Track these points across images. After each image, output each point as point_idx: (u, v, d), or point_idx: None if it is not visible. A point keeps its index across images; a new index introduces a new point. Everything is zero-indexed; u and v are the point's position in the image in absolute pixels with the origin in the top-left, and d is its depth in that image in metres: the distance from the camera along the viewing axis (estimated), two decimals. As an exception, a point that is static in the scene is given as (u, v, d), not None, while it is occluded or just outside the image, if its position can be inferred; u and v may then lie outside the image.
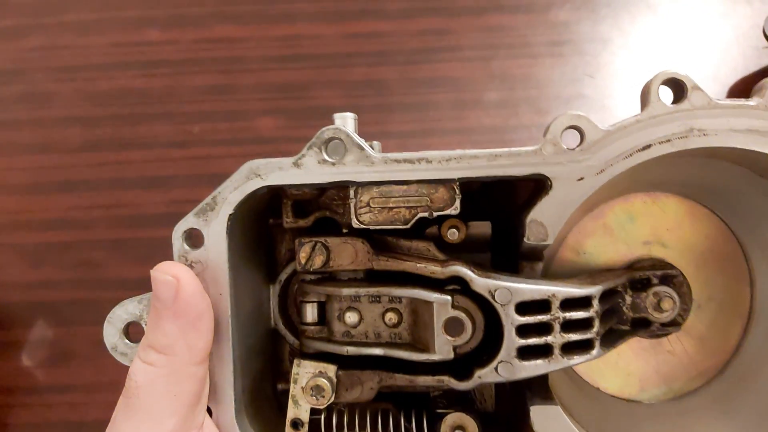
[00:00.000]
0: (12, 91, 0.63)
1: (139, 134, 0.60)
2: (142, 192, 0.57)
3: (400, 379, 0.33)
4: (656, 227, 0.34)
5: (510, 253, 0.33)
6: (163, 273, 0.30)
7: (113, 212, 0.57)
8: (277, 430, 0.33)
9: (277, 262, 0.34)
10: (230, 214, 0.30)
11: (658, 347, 0.36)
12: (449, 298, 0.31)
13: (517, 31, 0.63)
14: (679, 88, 0.32)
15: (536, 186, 0.31)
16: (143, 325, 0.32)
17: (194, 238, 0.31)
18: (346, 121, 0.33)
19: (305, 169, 0.30)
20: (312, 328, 0.33)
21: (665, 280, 0.34)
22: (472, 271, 0.31)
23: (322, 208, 0.34)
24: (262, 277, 0.34)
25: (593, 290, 0.30)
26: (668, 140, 0.31)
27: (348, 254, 0.33)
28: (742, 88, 0.59)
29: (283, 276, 0.35)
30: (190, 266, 0.31)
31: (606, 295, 0.32)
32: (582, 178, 0.30)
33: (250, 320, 0.33)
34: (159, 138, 0.60)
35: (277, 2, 0.66)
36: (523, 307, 0.30)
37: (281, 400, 0.35)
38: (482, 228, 0.35)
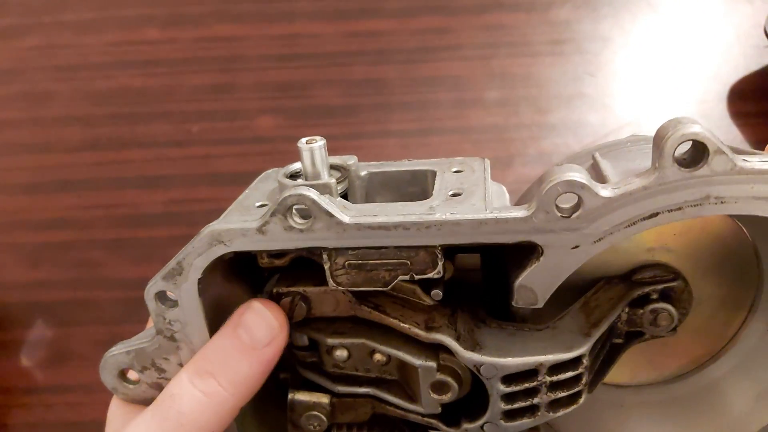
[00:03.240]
0: (11, 91, 0.63)
1: (138, 133, 0.60)
2: (141, 191, 0.57)
3: (392, 411, 0.32)
4: (663, 233, 0.33)
5: (501, 283, 0.32)
6: (271, 319, 0.29)
7: (112, 212, 0.57)
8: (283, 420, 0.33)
9: (260, 271, 0.33)
10: (199, 278, 0.28)
11: (652, 339, 0.36)
12: (434, 364, 0.30)
13: (518, 30, 0.63)
14: (699, 151, 0.27)
15: (526, 247, 0.28)
16: (135, 374, 0.32)
17: (168, 299, 0.29)
18: (313, 154, 0.30)
19: (270, 236, 0.28)
20: (304, 352, 0.33)
21: (665, 296, 0.33)
22: (457, 340, 0.29)
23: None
24: (248, 294, 0.34)
25: (584, 349, 0.29)
26: (679, 208, 0.27)
27: (329, 303, 0.32)
28: (743, 87, 0.59)
29: (269, 287, 0.34)
30: (170, 325, 0.30)
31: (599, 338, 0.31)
32: (577, 246, 0.27)
33: None
34: (158, 137, 0.60)
35: (276, 1, 0.66)
36: (510, 377, 0.29)
37: (285, 389, 0.34)
38: (472, 258, 0.34)
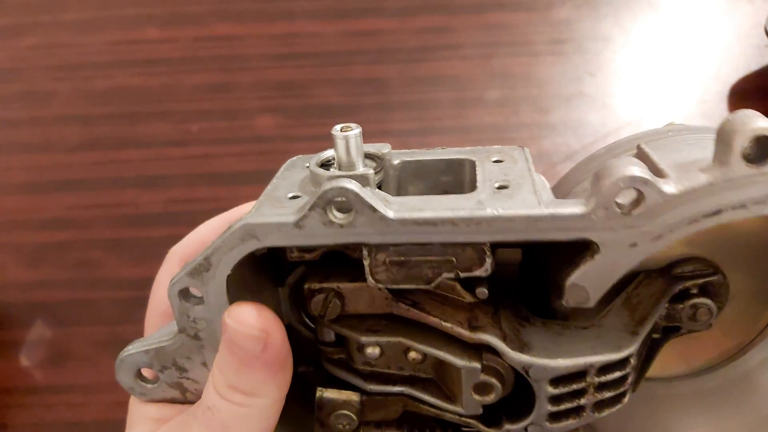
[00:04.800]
0: (10, 90, 0.63)
1: (138, 133, 0.60)
2: (140, 191, 0.57)
3: (426, 410, 0.31)
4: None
5: (541, 278, 0.31)
6: (249, 328, 0.28)
7: (112, 211, 0.57)
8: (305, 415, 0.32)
9: (284, 263, 0.32)
10: (228, 275, 0.27)
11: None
12: (478, 365, 0.28)
13: (518, 29, 0.63)
14: (764, 147, 0.26)
15: (577, 243, 0.27)
16: (154, 373, 0.31)
17: (193, 296, 0.28)
18: (348, 144, 0.28)
19: (308, 231, 0.26)
20: (330, 348, 0.31)
21: (704, 291, 0.32)
22: (503, 340, 0.28)
23: None
24: (271, 286, 0.33)
25: (633, 348, 0.28)
26: (743, 206, 0.26)
27: (364, 300, 0.30)
28: (744, 87, 0.59)
29: (292, 279, 0.33)
30: (193, 323, 0.29)
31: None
32: (635, 244, 0.26)
33: None
34: (157, 137, 0.59)
35: (276, 0, 0.66)
36: (558, 379, 0.28)
37: (304, 383, 0.33)
38: (513, 254, 0.32)
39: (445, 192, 0.31)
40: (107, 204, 0.57)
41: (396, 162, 0.32)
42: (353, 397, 0.31)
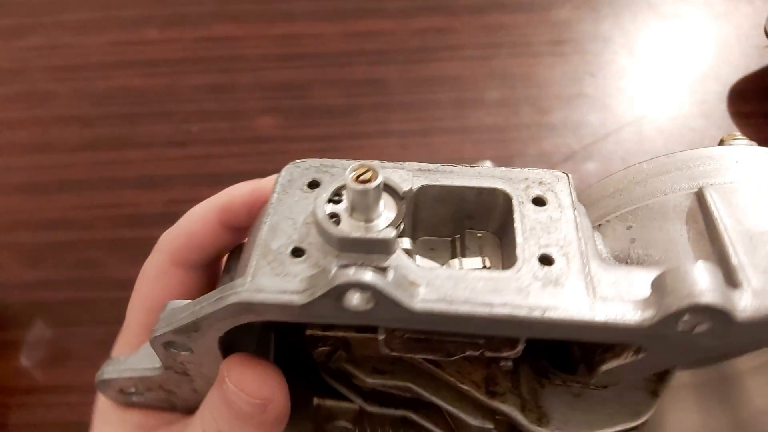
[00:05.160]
0: (11, 91, 0.63)
1: (138, 133, 0.60)
2: (141, 191, 0.57)
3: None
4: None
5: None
6: (249, 397, 0.25)
7: (112, 212, 0.57)
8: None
9: None
10: (221, 337, 0.24)
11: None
12: (491, 426, 0.27)
13: (518, 30, 0.63)
14: None
15: None
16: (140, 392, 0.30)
17: (180, 346, 0.26)
18: (367, 197, 0.23)
19: (317, 312, 0.22)
20: (327, 357, 0.29)
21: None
22: (522, 410, 0.26)
23: None
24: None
25: (650, 413, 0.27)
26: None
27: (373, 347, 0.26)
28: (744, 87, 0.59)
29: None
30: (181, 365, 0.26)
31: None
32: (688, 351, 0.22)
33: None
34: (158, 137, 0.59)
35: (276, 1, 0.66)
36: None
37: (300, 354, 0.29)
38: None
39: (470, 217, 0.27)
40: (107, 204, 0.57)
41: (414, 187, 0.26)
42: (352, 406, 0.29)
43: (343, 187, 0.24)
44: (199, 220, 0.34)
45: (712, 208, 0.24)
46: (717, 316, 0.20)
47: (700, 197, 0.25)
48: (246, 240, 0.30)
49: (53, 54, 0.64)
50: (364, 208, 0.23)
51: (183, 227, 0.34)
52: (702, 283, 0.20)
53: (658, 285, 0.21)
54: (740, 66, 0.60)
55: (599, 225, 0.27)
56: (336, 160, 0.26)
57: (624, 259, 0.25)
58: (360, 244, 0.23)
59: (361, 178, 0.23)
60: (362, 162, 0.23)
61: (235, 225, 0.33)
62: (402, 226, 0.24)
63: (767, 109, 0.58)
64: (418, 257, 0.25)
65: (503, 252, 0.26)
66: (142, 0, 0.66)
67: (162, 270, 0.34)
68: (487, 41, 0.63)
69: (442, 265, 0.25)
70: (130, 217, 0.57)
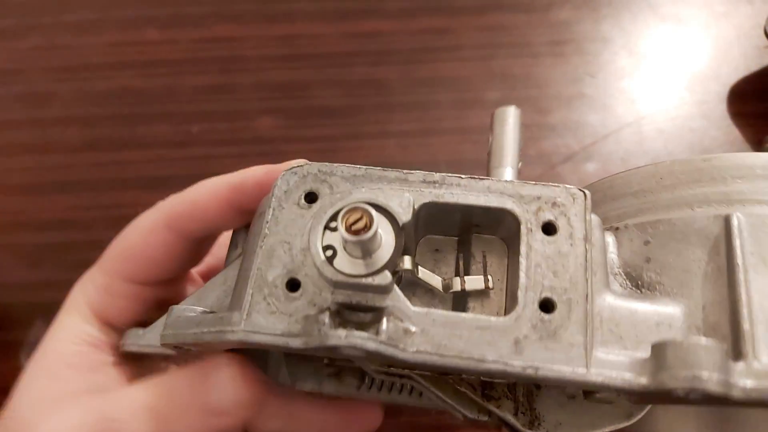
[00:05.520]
0: (10, 91, 0.63)
1: (138, 134, 0.60)
2: (141, 192, 0.57)
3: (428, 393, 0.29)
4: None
5: None
6: (238, 391, 0.26)
7: (112, 212, 0.57)
8: None
9: None
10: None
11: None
12: (486, 418, 0.27)
13: (518, 31, 0.63)
14: None
15: None
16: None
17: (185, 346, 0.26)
18: (363, 246, 0.22)
19: (312, 352, 0.22)
20: None
21: None
22: (515, 413, 0.26)
23: None
24: None
25: (643, 413, 0.27)
26: None
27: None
28: (744, 88, 0.59)
29: None
30: (194, 351, 0.26)
31: None
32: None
33: None
34: (158, 138, 0.59)
35: (276, 1, 0.66)
36: None
37: None
38: None
39: (477, 225, 0.26)
40: (108, 205, 0.57)
41: (417, 205, 0.25)
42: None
43: (339, 211, 0.23)
44: (207, 192, 0.33)
45: (737, 246, 0.22)
46: (713, 397, 0.19)
47: (727, 225, 0.23)
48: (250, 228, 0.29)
49: (53, 54, 0.64)
50: (358, 253, 0.23)
51: (189, 195, 0.34)
52: (703, 365, 0.19)
53: (657, 353, 0.20)
54: (740, 66, 0.60)
55: (617, 228, 0.26)
56: (335, 166, 0.25)
57: (636, 278, 0.24)
58: (355, 286, 0.22)
59: (354, 227, 0.22)
60: (356, 204, 0.22)
61: (244, 206, 0.32)
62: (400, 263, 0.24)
63: (767, 110, 0.58)
64: (420, 270, 0.25)
65: (509, 264, 0.25)
66: (141, 1, 0.66)
67: (155, 227, 0.33)
68: (486, 41, 0.63)
69: (445, 280, 0.25)
70: (130, 218, 0.56)
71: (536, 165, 0.57)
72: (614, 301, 0.23)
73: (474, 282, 0.25)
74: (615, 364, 0.21)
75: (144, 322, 0.31)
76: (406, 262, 0.24)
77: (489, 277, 0.25)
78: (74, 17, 0.66)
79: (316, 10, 0.65)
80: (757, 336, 0.21)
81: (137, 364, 0.32)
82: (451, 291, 0.25)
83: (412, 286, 0.25)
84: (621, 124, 0.58)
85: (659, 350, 0.20)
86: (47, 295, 0.59)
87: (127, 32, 0.65)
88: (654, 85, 0.60)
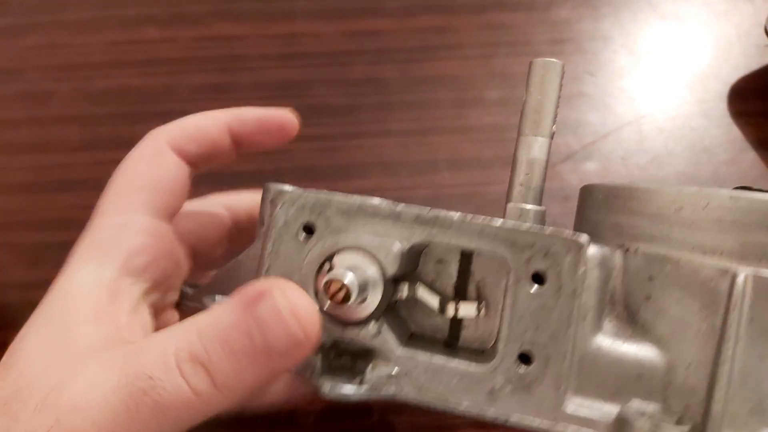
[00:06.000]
0: (9, 90, 0.63)
1: (138, 133, 0.59)
2: (140, 191, 0.57)
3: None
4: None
5: None
6: (297, 324, 0.21)
7: (112, 212, 0.57)
8: None
9: None
10: None
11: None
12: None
13: (518, 29, 0.63)
14: None
15: None
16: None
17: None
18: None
19: None
20: None
21: None
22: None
23: None
24: None
25: None
26: None
27: None
28: (744, 87, 0.59)
29: None
30: None
31: None
32: None
33: None
34: (158, 137, 0.59)
35: (276, 0, 0.66)
36: None
37: None
38: None
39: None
40: (107, 204, 0.57)
41: (407, 248, 0.25)
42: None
43: (332, 256, 0.25)
44: (208, 117, 0.32)
45: (733, 316, 0.20)
46: None
47: (733, 285, 0.20)
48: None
49: (52, 53, 0.64)
50: (343, 313, 0.25)
51: (189, 119, 0.32)
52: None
53: (620, 424, 0.21)
54: (740, 65, 0.60)
55: (627, 250, 0.24)
56: (332, 195, 0.26)
57: (633, 312, 0.23)
58: (344, 341, 0.25)
59: (335, 298, 0.23)
60: (334, 276, 0.23)
61: (242, 139, 0.32)
62: (382, 319, 0.25)
63: (767, 109, 0.58)
64: (419, 289, 0.26)
65: (507, 287, 0.25)
66: (141, -1, 0.66)
67: (160, 151, 0.31)
68: (487, 40, 0.62)
69: (445, 299, 0.26)
70: (129, 217, 0.57)
71: (536, 164, 0.56)
72: (601, 345, 0.23)
73: (467, 309, 0.25)
74: (582, 421, 0.22)
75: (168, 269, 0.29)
76: (403, 291, 0.25)
77: (482, 306, 0.26)
78: (73, 16, 0.66)
79: (315, 9, 0.65)
80: (726, 420, 0.20)
81: (155, 313, 0.30)
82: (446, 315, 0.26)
83: (412, 300, 0.26)
84: (621, 123, 0.58)
85: (621, 421, 0.21)
86: (47, 294, 0.60)
87: (126, 31, 0.65)
88: (654, 83, 0.60)
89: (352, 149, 0.57)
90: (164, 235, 0.30)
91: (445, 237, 0.24)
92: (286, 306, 0.21)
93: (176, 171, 0.31)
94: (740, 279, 0.20)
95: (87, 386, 0.22)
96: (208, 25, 0.65)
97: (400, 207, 0.25)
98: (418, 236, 0.25)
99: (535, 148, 0.28)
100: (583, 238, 0.23)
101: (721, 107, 0.58)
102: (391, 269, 0.24)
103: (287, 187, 0.28)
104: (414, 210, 0.25)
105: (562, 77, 0.27)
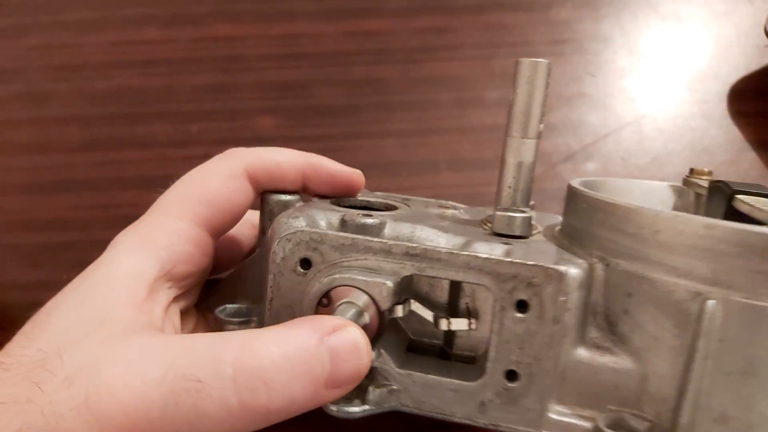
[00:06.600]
0: (10, 90, 0.63)
1: (138, 134, 0.60)
2: (140, 192, 0.57)
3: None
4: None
5: None
6: (364, 359, 0.23)
7: (112, 212, 0.57)
8: None
9: None
10: None
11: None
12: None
13: (518, 30, 0.63)
14: None
15: None
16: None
17: None
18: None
19: None
20: None
21: None
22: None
23: None
24: None
25: None
26: None
27: None
28: (744, 87, 0.59)
29: None
30: None
31: None
32: None
33: None
34: (158, 137, 0.59)
35: (275, 1, 0.66)
36: None
37: None
38: None
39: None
40: (108, 205, 0.57)
41: (398, 280, 0.26)
42: None
43: (327, 293, 0.26)
44: (288, 157, 0.32)
45: (702, 337, 0.22)
46: None
47: (703, 308, 0.22)
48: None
49: (52, 54, 0.64)
50: None
51: (271, 154, 0.32)
52: None
53: (597, 431, 0.24)
54: (740, 65, 0.60)
55: (607, 264, 0.25)
56: (324, 234, 0.27)
57: (613, 324, 0.25)
58: None
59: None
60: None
61: (312, 186, 0.32)
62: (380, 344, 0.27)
63: (767, 109, 0.58)
64: (414, 305, 0.28)
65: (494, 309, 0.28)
66: (141, 0, 0.66)
67: (236, 174, 0.31)
68: (487, 41, 0.62)
69: (438, 315, 0.28)
70: (130, 218, 0.56)
71: (536, 164, 0.57)
72: (582, 357, 0.25)
73: (459, 324, 0.27)
74: (563, 427, 0.25)
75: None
76: (399, 311, 0.27)
77: (472, 321, 0.27)
78: (74, 16, 0.66)
79: (315, 9, 0.65)
80: (692, 428, 0.22)
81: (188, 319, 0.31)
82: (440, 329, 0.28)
83: (410, 311, 0.28)
84: (621, 124, 0.58)
85: None
86: (47, 295, 0.59)
87: (126, 31, 0.65)
88: (654, 84, 0.60)
89: (352, 149, 0.57)
90: (209, 253, 0.31)
91: (434, 271, 0.26)
92: (362, 342, 0.23)
93: (244, 197, 0.32)
94: (710, 303, 0.21)
95: (126, 371, 0.21)
96: (208, 26, 0.65)
97: (391, 243, 0.26)
98: (408, 270, 0.26)
99: (522, 151, 0.29)
100: (563, 268, 0.24)
101: (721, 107, 0.58)
102: (385, 304, 0.26)
103: (284, 198, 0.31)
104: (404, 246, 0.26)
105: (548, 77, 0.28)
